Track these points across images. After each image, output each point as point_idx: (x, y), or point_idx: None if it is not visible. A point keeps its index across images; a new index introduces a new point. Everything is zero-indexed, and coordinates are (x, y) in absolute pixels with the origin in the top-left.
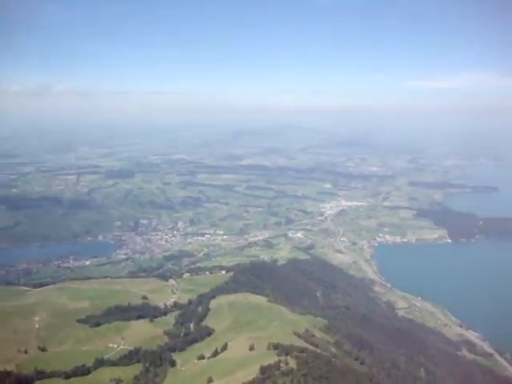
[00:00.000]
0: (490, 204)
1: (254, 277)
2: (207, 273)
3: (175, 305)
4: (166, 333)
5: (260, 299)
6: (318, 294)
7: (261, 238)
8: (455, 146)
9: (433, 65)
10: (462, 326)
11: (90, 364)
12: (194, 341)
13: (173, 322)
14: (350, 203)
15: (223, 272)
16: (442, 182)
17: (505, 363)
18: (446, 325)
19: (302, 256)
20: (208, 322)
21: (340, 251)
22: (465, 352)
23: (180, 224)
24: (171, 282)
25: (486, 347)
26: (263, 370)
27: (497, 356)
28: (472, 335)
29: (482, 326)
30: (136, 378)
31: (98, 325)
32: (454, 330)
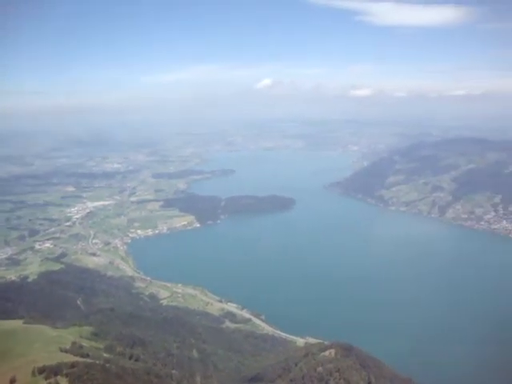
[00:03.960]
0: (229, 185)
1: (2, 300)
2: None
3: None
4: None
5: (14, 323)
6: (78, 303)
7: (4, 256)
8: (191, 135)
9: (163, 59)
10: (221, 301)
11: None
12: None
13: None
14: (96, 203)
15: None
16: (183, 171)
17: (262, 324)
18: (208, 303)
19: (55, 267)
20: None
21: (94, 254)
22: (228, 323)
23: None
24: None
25: (245, 314)
26: None
27: (254, 319)
28: (232, 307)
29: (238, 297)
30: None
31: None
32: (215, 306)
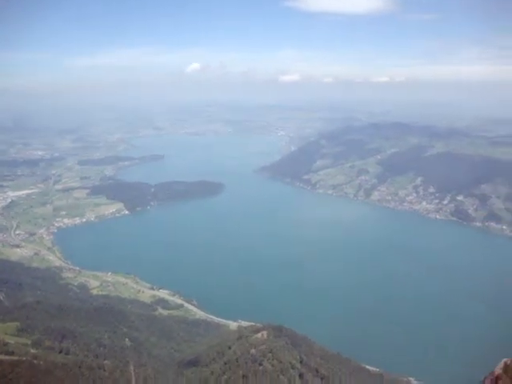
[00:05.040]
0: (159, 171)
1: None
2: None
3: None
4: None
5: None
6: (1, 298)
7: None
8: (118, 120)
9: (91, 41)
10: (153, 288)
11: None
12: None
13: None
14: (19, 193)
15: None
16: (110, 157)
17: (194, 309)
18: (140, 291)
19: None
20: None
21: (18, 246)
22: (160, 310)
23: None
24: None
25: (177, 300)
26: None
27: (186, 305)
28: (163, 293)
29: (169, 283)
30: None
31: None
32: (147, 293)
